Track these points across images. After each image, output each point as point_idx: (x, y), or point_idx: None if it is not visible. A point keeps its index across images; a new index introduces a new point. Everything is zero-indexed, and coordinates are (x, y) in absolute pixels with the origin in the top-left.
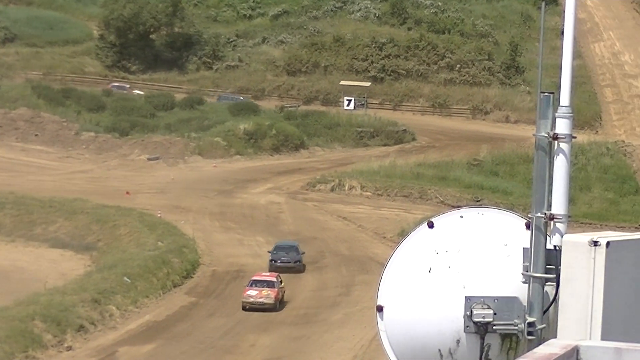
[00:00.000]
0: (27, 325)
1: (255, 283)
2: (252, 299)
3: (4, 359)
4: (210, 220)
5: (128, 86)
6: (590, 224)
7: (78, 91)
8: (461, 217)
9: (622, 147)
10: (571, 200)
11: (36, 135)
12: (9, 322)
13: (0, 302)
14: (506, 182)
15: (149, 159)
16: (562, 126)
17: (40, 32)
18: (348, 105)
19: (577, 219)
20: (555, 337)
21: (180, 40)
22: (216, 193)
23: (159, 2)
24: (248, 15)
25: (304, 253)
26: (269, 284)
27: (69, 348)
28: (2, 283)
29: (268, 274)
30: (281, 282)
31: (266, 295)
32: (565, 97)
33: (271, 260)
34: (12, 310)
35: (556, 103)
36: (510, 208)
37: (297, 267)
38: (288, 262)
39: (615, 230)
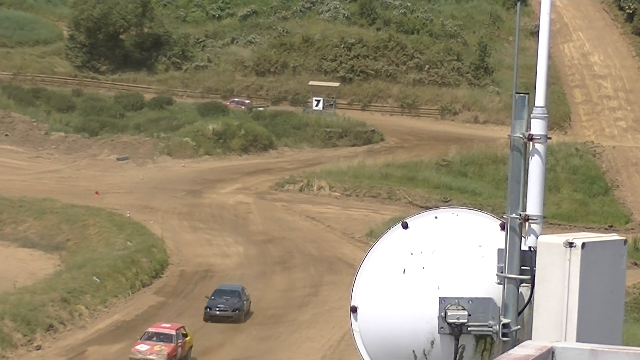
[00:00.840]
0: None
1: (149, 336)
2: (140, 355)
3: None
4: (178, 220)
5: (248, 101)
6: (559, 224)
7: (48, 91)
8: (436, 217)
9: (591, 147)
10: None
11: (6, 135)
12: None
13: None
14: (475, 182)
15: (118, 159)
16: (538, 127)
17: (10, 33)
18: (316, 105)
19: (546, 220)
20: (530, 338)
21: (150, 41)
22: (185, 193)
23: (129, 2)
24: (217, 15)
25: (247, 300)
26: (164, 338)
27: (39, 347)
28: None
29: (169, 325)
30: (185, 335)
31: (158, 352)
32: (540, 98)
33: (206, 308)
34: None
35: (531, 104)
36: (479, 208)
37: (236, 317)
38: (225, 310)
39: (583, 231)
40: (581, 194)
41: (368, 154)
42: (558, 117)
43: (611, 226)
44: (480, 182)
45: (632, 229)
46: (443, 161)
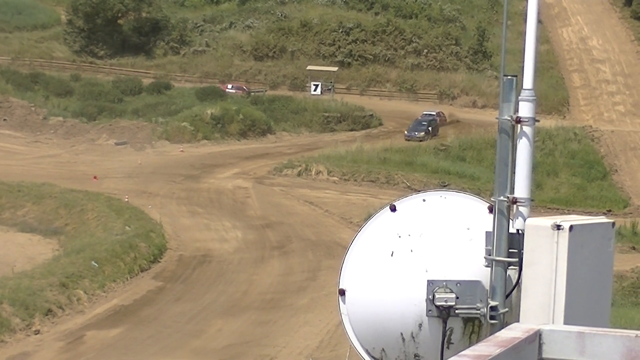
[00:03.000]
0: None
1: None
2: None
3: None
4: (177, 204)
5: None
6: (558, 209)
7: (46, 76)
8: (424, 200)
9: (590, 132)
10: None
11: (4, 119)
12: None
13: None
14: (473, 167)
15: (116, 144)
16: (525, 109)
17: (8, 17)
18: (315, 90)
19: (545, 204)
20: (517, 321)
21: (148, 25)
22: (183, 178)
23: None
24: (215, 0)
25: None
26: None
27: (37, 332)
28: None
29: None
30: None
31: None
32: (528, 80)
33: None
34: None
35: (519, 86)
36: (477, 193)
37: None
38: None
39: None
40: (579, 178)
41: (366, 139)
42: (556, 101)
43: (609, 210)
44: (479, 167)
45: (631, 213)
46: (441, 146)
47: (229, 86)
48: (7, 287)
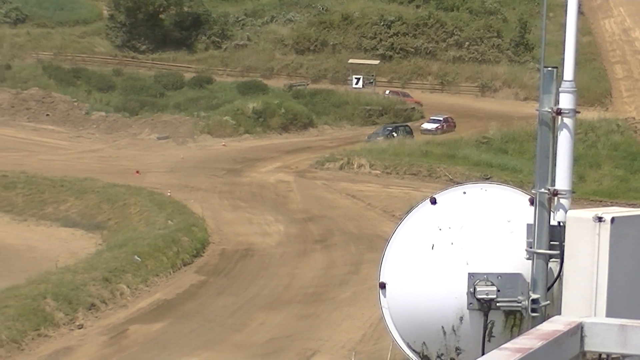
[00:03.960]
0: (39, 303)
1: None
2: None
3: (16, 337)
4: (219, 199)
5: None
6: (601, 201)
7: (88, 71)
8: (464, 193)
9: (633, 123)
10: (581, 178)
11: (47, 115)
12: (21, 300)
13: (12, 280)
14: (515, 159)
15: (158, 138)
16: (566, 101)
17: (50, 13)
18: (356, 83)
19: (587, 197)
20: (559, 313)
21: (189, 20)
22: (225, 172)
23: None
24: None
25: None
26: None
27: (80, 326)
28: (14, 262)
29: None
30: None
31: None
32: (569, 72)
33: None
34: (23, 288)
35: (560, 78)
36: (520, 186)
37: None
38: None
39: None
40: (622, 170)
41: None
42: (599, 93)
43: None
44: (521, 159)
45: None
46: (483, 138)
47: (387, 91)
48: (50, 281)
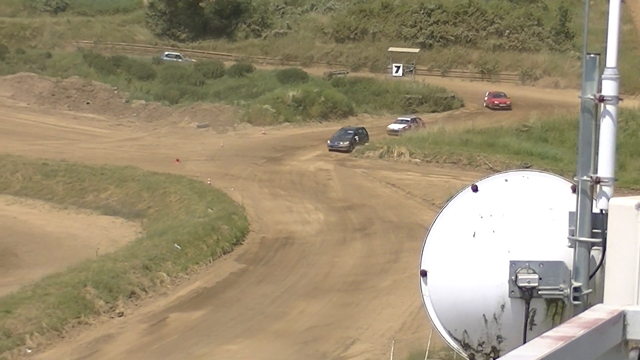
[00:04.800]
0: (79, 291)
1: None
2: None
3: (57, 325)
4: (259, 187)
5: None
6: None
7: (128, 59)
8: (506, 180)
9: None
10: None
11: (88, 103)
12: (62, 288)
13: (52, 268)
14: (555, 148)
15: (198, 127)
16: (609, 88)
17: (90, 1)
18: (396, 71)
19: (628, 186)
20: (601, 302)
21: (229, 8)
22: (265, 160)
23: None
24: None
25: None
26: None
27: (121, 314)
28: (55, 250)
29: None
30: None
31: None
32: (611, 59)
33: None
34: (64, 276)
35: (602, 65)
36: (560, 174)
37: None
38: None
39: None
40: None
41: (448, 120)
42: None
43: None
44: (561, 148)
45: None
46: (523, 127)
47: (486, 94)
48: (91, 269)
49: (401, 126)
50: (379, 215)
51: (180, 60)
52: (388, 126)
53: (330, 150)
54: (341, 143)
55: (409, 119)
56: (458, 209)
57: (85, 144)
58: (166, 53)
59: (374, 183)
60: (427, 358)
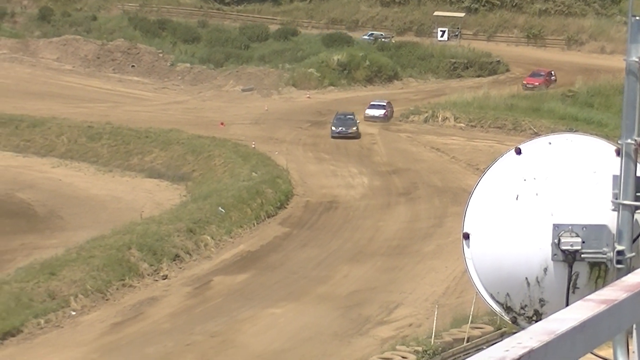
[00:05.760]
0: (124, 254)
1: None
2: None
3: (101, 287)
4: (303, 151)
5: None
6: None
7: (173, 22)
8: (550, 143)
9: None
10: None
11: (133, 66)
12: (107, 250)
13: (97, 231)
14: (601, 113)
15: (243, 90)
16: None
17: None
18: (442, 36)
19: None
20: None
21: None
22: (309, 124)
23: None
24: None
25: None
26: None
27: (165, 277)
28: (100, 212)
29: None
30: None
31: None
32: None
33: None
34: (109, 239)
35: None
36: (609, 140)
37: None
38: None
39: None
40: None
41: (493, 85)
42: None
43: None
44: (607, 113)
45: None
46: (569, 92)
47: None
48: (135, 232)
49: (381, 112)
50: (424, 179)
51: (384, 40)
52: (365, 112)
53: (333, 138)
54: (347, 130)
55: (384, 103)
56: (501, 172)
57: (130, 107)
58: (369, 33)
59: (419, 147)
60: (471, 323)
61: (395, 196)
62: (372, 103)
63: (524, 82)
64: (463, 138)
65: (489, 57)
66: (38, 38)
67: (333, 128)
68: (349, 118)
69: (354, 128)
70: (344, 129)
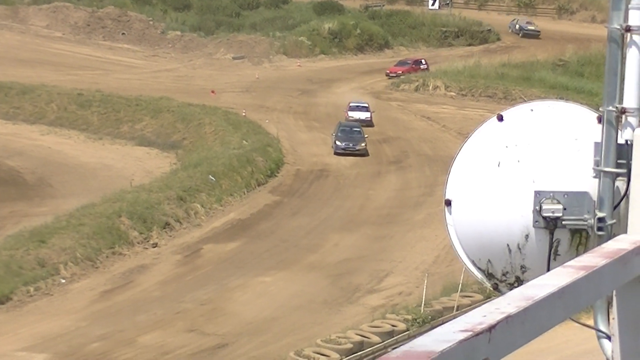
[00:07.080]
0: (114, 222)
1: None
2: None
3: (91, 255)
4: (294, 119)
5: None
6: None
7: None
8: (531, 110)
9: None
10: None
11: (123, 34)
12: (96, 218)
13: (87, 199)
14: (591, 83)
15: (234, 58)
16: (636, 18)
17: None
18: (433, 4)
19: None
20: (625, 232)
21: None
22: (300, 92)
23: None
24: None
25: None
26: None
27: (155, 245)
28: (90, 180)
29: None
30: None
31: None
32: None
33: None
34: (99, 207)
35: None
36: (596, 109)
37: None
38: None
39: None
40: None
41: (484, 54)
42: None
43: None
44: (597, 83)
45: None
46: (559, 61)
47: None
48: (125, 200)
49: (366, 114)
50: (414, 148)
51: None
52: (348, 113)
53: (337, 154)
54: (355, 146)
55: (366, 104)
56: (483, 139)
57: (120, 74)
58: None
59: (409, 116)
60: (460, 291)
61: (385, 165)
62: (351, 104)
63: (387, 71)
64: (454, 107)
65: (480, 26)
66: (28, 5)
67: (338, 143)
68: (356, 130)
69: (363, 144)
70: (351, 144)
